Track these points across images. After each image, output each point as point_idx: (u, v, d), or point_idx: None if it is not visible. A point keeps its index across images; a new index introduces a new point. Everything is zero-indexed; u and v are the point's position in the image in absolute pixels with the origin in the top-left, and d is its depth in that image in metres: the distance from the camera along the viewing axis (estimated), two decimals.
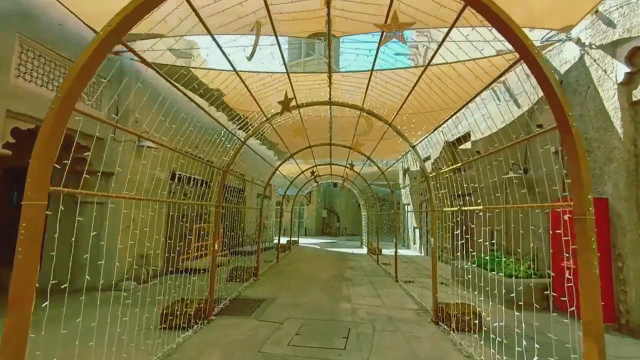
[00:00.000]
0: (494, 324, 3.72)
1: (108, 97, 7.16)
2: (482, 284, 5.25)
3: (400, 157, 7.70)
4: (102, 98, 7.04)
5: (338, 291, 7.27)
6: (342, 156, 12.70)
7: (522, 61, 3.29)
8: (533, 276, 6.11)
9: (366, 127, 4.93)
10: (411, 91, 5.68)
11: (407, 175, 18.22)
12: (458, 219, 4.50)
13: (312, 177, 15.03)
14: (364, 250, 16.45)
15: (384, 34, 2.98)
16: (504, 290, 4.22)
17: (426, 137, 5.67)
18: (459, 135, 10.71)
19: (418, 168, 15.74)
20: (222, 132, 6.05)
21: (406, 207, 18.09)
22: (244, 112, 8.47)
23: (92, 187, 6.28)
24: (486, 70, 5.26)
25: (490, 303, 4.57)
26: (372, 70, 5.73)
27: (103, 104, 7.03)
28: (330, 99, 5.42)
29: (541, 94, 6.25)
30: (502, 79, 8.20)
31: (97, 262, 6.64)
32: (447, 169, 4.82)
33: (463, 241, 4.71)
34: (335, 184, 28.87)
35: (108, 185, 7.10)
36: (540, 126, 6.50)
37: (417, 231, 16.07)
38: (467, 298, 5.89)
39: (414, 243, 16.40)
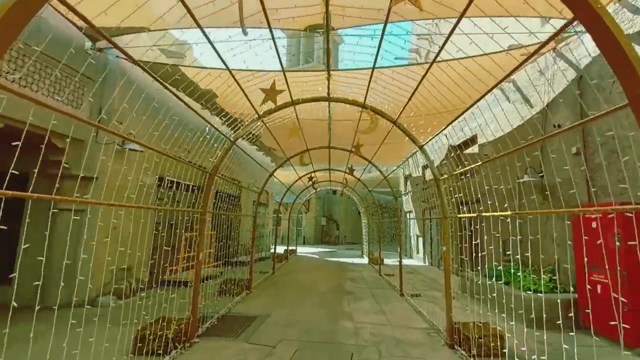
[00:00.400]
0: (524, 351, 3.12)
1: (90, 96, 6.60)
2: (497, 299, 4.66)
3: (405, 159, 7.14)
4: (82, 97, 6.48)
5: (338, 306, 6.64)
6: (341, 162, 12.16)
7: (543, 51, 2.74)
8: (556, 290, 5.51)
9: (370, 123, 4.39)
10: (417, 88, 5.16)
11: (408, 182, 17.66)
12: (477, 226, 3.94)
13: (311, 183, 14.47)
14: (365, 260, 15.80)
15: None
16: (534, 308, 3.61)
17: (436, 135, 5.13)
18: (464, 139, 10.19)
19: (420, 174, 15.19)
20: (216, 135, 5.54)
21: (408, 214, 17.50)
22: (238, 115, 7.94)
23: (71, 192, 5.73)
24: (492, 72, 4.77)
25: (507, 320, 3.97)
26: (373, 67, 5.21)
27: (84, 103, 6.48)
28: (328, 94, 4.87)
29: (557, 91, 5.68)
30: (511, 77, 7.71)
31: (73, 276, 6.08)
32: (461, 170, 4.25)
33: (484, 252, 4.16)
34: (334, 192, 28.35)
35: (87, 191, 6.52)
36: (558, 126, 5.98)
37: (420, 240, 15.45)
38: (480, 314, 5.28)
39: (417, 252, 15.77)
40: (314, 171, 11.88)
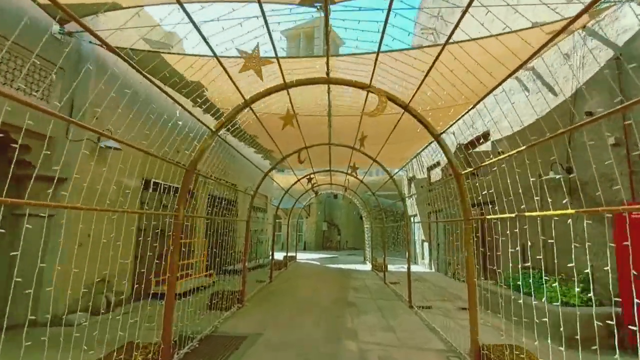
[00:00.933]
0: None
1: (60, 87, 5.91)
2: (514, 311, 3.91)
3: (419, 151, 6.36)
4: (50, 88, 5.78)
5: (340, 322, 5.87)
6: (342, 164, 11.46)
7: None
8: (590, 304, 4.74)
9: (378, 104, 3.68)
10: (428, 72, 4.46)
11: (412, 184, 16.93)
12: (514, 230, 3.23)
13: (310, 186, 13.77)
14: (368, 267, 15.01)
15: None
16: (567, 324, 2.87)
17: (455, 122, 4.40)
18: (475, 136, 9.46)
19: (425, 175, 14.46)
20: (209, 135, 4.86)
21: (412, 218, 16.73)
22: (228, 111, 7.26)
23: (36, 196, 5.01)
24: (510, 57, 4.07)
25: (533, 338, 3.21)
26: (378, 52, 4.54)
27: (52, 95, 5.78)
28: (327, 73, 4.15)
29: (588, 76, 4.98)
30: (530, 64, 7.00)
31: (37, 290, 5.35)
32: (490, 161, 3.52)
33: (533, 269, 3.42)
34: (335, 196, 27.60)
35: (57, 194, 5.79)
36: (589, 114, 5.25)
37: (425, 245, 14.66)
38: (501, 330, 4.52)
39: (422, 258, 14.98)
40: (314, 172, 11.15)
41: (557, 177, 5.57)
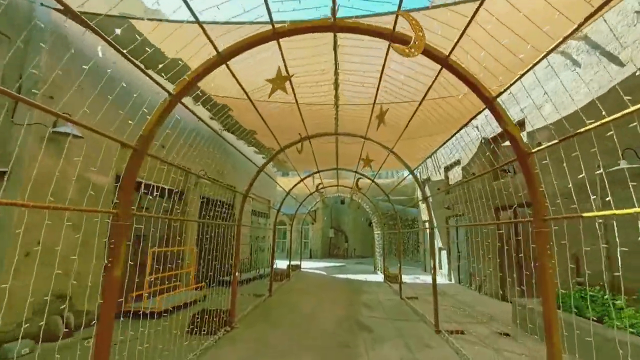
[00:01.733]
0: None
1: (5, 60, 4.82)
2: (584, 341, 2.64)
3: (456, 132, 5.10)
4: None
5: (351, 356, 4.60)
6: (350, 164, 10.27)
7: None
8: None
9: (415, 39, 2.50)
10: (464, 31, 3.22)
11: (427, 187, 15.62)
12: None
13: (316, 188, 12.61)
14: (379, 277, 13.68)
15: None
16: None
17: (515, 81, 3.11)
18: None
19: (442, 176, 13.17)
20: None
21: (427, 224, 15.38)
22: (224, 100, 6.15)
23: None
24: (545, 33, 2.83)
25: None
26: (397, 12, 3.34)
27: None
28: (334, 16, 2.92)
29: None
30: (580, 33, 5.75)
31: None
32: (570, 135, 2.28)
33: (580, 284, 2.16)
34: (342, 201, 26.33)
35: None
36: None
37: (443, 253, 13.30)
38: None
39: (440, 268, 13.59)
40: (318, 171, 9.96)
41: (633, 167, 4.30)
